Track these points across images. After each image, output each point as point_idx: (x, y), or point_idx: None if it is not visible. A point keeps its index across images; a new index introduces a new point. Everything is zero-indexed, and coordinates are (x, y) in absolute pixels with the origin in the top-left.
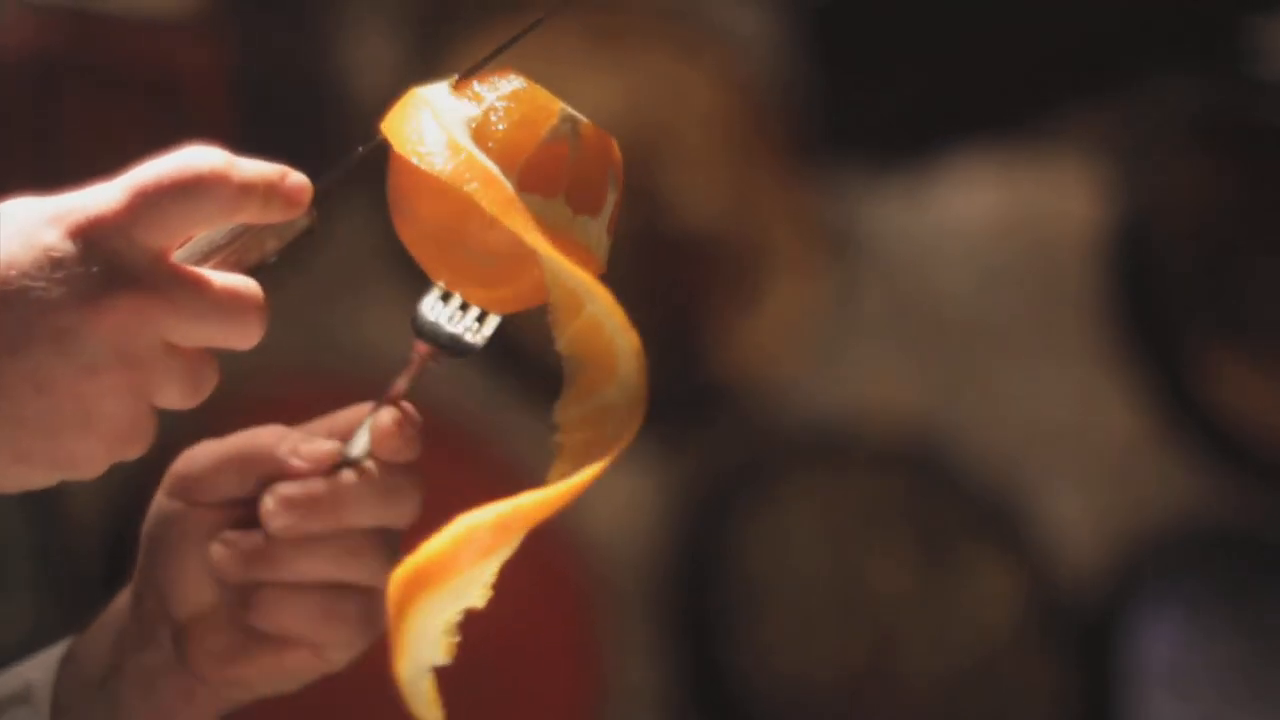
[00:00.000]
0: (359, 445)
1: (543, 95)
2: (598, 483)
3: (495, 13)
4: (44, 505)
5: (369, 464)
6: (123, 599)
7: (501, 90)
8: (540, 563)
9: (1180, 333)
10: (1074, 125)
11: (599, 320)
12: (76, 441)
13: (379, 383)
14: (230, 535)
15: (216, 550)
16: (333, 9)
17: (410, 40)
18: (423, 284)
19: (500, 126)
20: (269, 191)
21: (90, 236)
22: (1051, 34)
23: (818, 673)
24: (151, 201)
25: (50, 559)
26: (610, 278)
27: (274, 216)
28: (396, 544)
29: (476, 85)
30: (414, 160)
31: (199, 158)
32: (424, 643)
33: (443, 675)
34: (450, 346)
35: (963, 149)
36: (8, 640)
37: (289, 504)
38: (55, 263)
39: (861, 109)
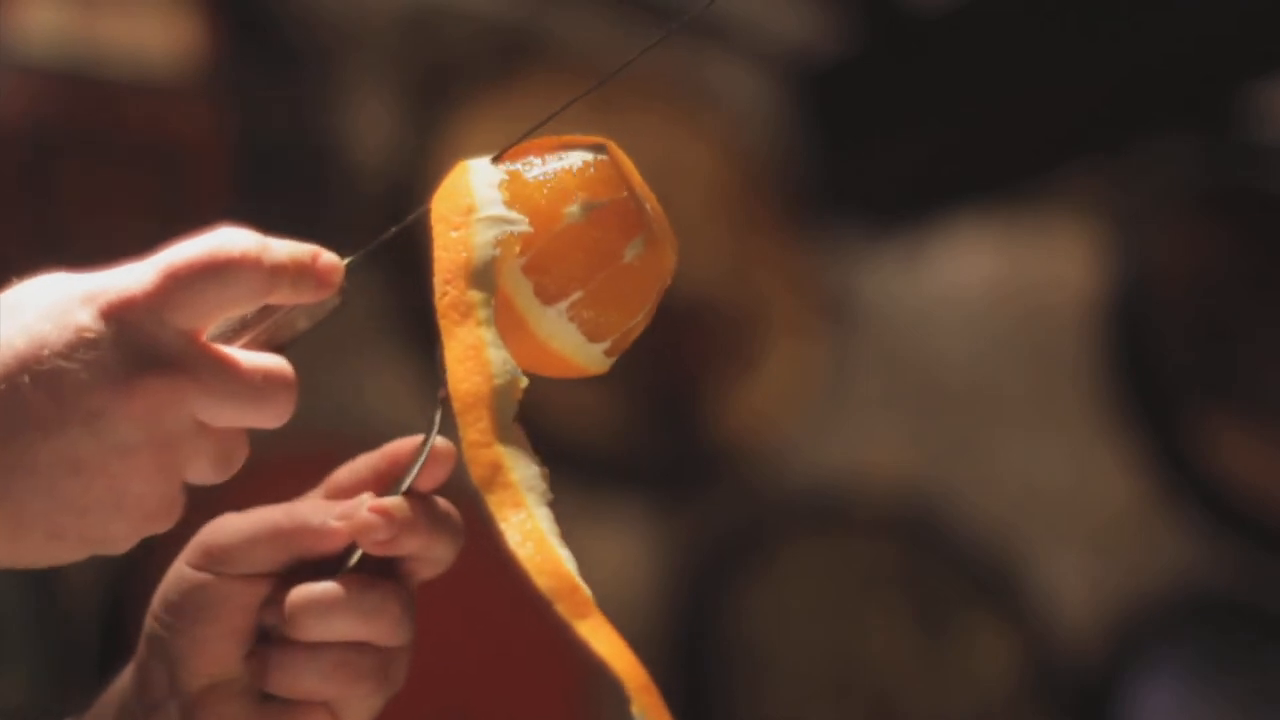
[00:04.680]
0: (405, 481)
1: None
2: (593, 545)
3: (491, 80)
4: (40, 574)
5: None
6: (125, 677)
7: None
8: (534, 630)
9: (1177, 398)
10: (1071, 190)
11: None
12: (108, 520)
13: (378, 446)
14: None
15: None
16: (332, 76)
17: (408, 107)
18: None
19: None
20: (300, 273)
21: (123, 318)
22: (1049, 100)
23: None
24: (183, 284)
25: (46, 627)
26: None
27: (305, 298)
28: (412, 602)
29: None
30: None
31: (231, 241)
32: None
33: None
34: None
35: (960, 214)
36: (3, 709)
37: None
38: (88, 343)
39: (859, 175)
